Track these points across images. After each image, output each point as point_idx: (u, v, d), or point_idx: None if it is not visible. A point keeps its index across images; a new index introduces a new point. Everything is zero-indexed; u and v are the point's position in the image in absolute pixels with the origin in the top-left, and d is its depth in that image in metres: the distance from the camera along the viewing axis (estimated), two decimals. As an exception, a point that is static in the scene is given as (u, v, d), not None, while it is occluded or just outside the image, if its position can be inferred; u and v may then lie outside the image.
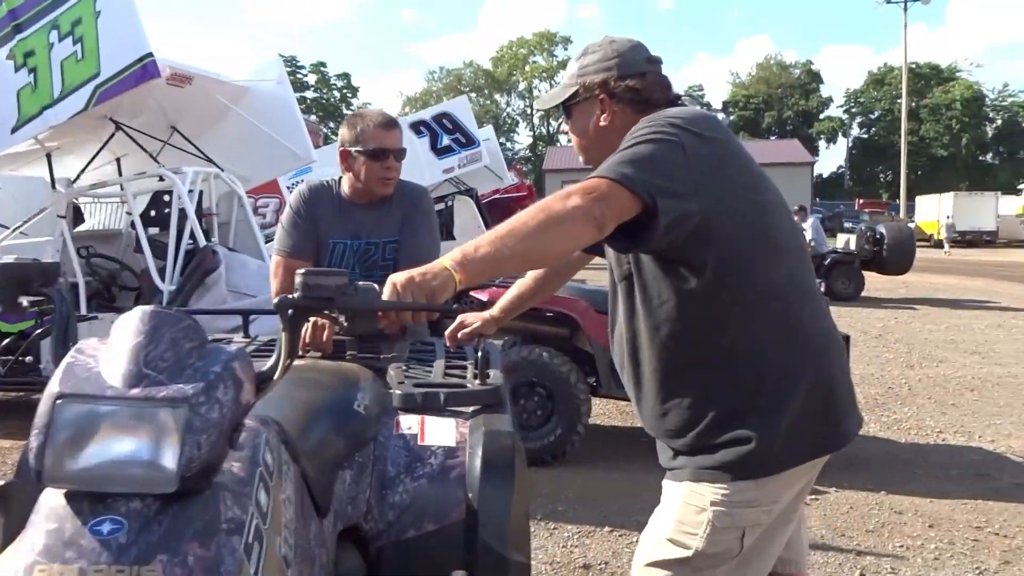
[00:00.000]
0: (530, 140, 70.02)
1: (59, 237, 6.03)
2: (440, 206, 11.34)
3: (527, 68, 68.08)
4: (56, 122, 5.39)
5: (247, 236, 6.56)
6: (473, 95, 69.97)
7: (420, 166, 10.73)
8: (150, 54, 5.17)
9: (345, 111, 62.84)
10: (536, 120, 70.18)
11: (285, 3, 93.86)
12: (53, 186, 6.06)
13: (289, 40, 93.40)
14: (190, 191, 6.10)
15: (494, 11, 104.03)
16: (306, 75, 64.06)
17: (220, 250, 6.01)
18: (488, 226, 17.12)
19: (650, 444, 1.96)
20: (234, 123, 6.93)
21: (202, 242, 5.86)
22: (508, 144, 70.52)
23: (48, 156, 6.08)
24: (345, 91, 68.59)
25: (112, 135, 5.96)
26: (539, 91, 68.79)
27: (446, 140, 10.62)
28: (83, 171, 6.13)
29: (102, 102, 5.33)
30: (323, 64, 67.69)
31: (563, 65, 67.96)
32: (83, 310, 6.01)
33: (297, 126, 6.94)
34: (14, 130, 5.52)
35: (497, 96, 70.31)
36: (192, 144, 6.53)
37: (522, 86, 69.33)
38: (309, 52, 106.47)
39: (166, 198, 6.23)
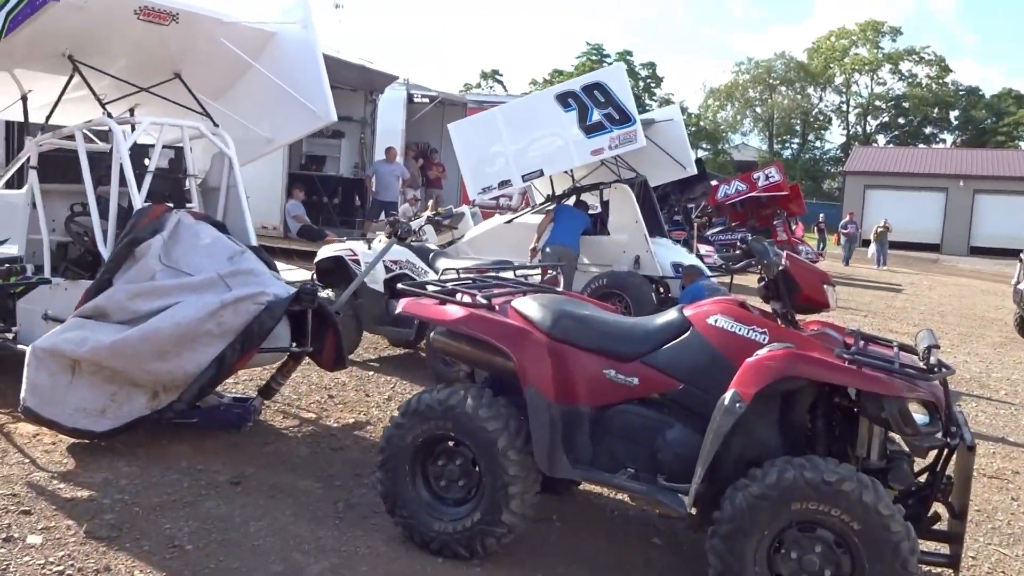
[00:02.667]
0: (843, 139, 63.73)
1: (27, 191, 5.45)
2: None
3: (846, 60, 61.84)
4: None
5: (235, 205, 5.56)
6: (783, 88, 65.34)
7: (567, 144, 9.17)
8: (49, -28, 4.28)
9: (648, 101, 61.57)
10: (852, 117, 63.78)
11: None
12: (27, 132, 5.50)
13: (616, 30, 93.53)
14: (188, 148, 5.24)
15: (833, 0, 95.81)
16: (611, 63, 63.69)
17: (176, 218, 5.05)
18: (690, 223, 14.82)
19: None
20: (255, 75, 5.98)
21: (137, 204, 4.92)
22: (817, 143, 65.03)
23: (24, 100, 5.54)
24: (649, 80, 67.20)
25: (71, 77, 5.23)
26: (858, 85, 62.43)
27: (596, 115, 8.94)
28: (49, 117, 5.48)
29: (11, 31, 4.56)
30: (629, 53, 66.84)
31: (890, 58, 60.92)
32: (47, 273, 5.37)
33: (318, 79, 5.81)
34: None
35: (810, 90, 64.80)
36: (192, 94, 5.66)
37: (839, 80, 63.19)
38: (641, 44, 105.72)
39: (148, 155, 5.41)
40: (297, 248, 15.07)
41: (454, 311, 3.76)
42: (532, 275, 7.48)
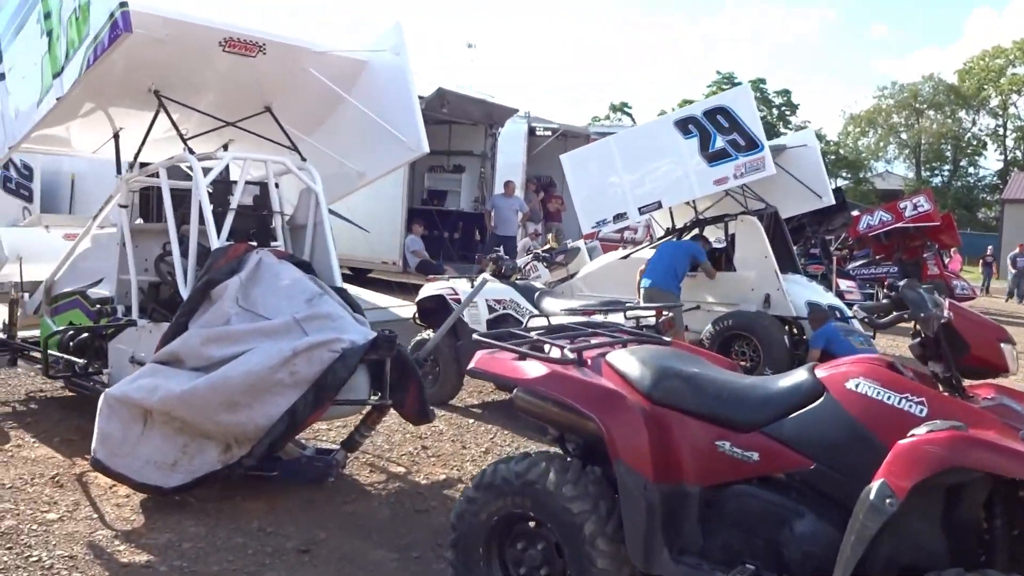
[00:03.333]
0: (999, 164, 59.28)
1: (119, 230, 5.32)
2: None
3: (1002, 81, 57.68)
4: (60, 93, 4.60)
5: (321, 243, 5.24)
6: (931, 112, 61.59)
7: (687, 174, 8.51)
8: (123, 3, 4.09)
9: (782, 129, 59.43)
10: (1010, 141, 59.28)
11: (753, 21, 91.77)
12: (118, 170, 5.39)
13: (748, 58, 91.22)
14: (272, 185, 4.98)
15: (983, 19, 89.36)
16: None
17: (256, 257, 4.77)
18: (828, 256, 13.69)
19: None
20: (347, 107, 5.69)
21: (214, 243, 4.66)
22: (971, 169, 60.75)
23: (116, 138, 5.43)
24: (784, 108, 64.95)
25: (156, 113, 5.06)
26: (1017, 107, 58.04)
27: (720, 142, 8.23)
28: (137, 154, 5.33)
29: (92, 65, 4.40)
30: (762, 81, 64.87)
31: (1053, 76, 56.35)
32: (134, 314, 5.21)
33: (410, 109, 5.45)
34: (39, 103, 4.89)
35: (962, 114, 60.78)
36: (282, 128, 5.41)
37: (994, 102, 58.98)
38: (774, 72, 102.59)
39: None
40: (415, 282, 14.99)
41: (532, 369, 3.21)
42: (646, 317, 6.85)
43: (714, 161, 8.29)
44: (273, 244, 5.16)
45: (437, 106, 13.85)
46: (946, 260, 19.86)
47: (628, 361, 3.35)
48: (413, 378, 4.56)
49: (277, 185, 5.28)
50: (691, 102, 57.63)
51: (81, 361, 5.31)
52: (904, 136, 62.06)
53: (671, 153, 8.50)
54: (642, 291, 8.17)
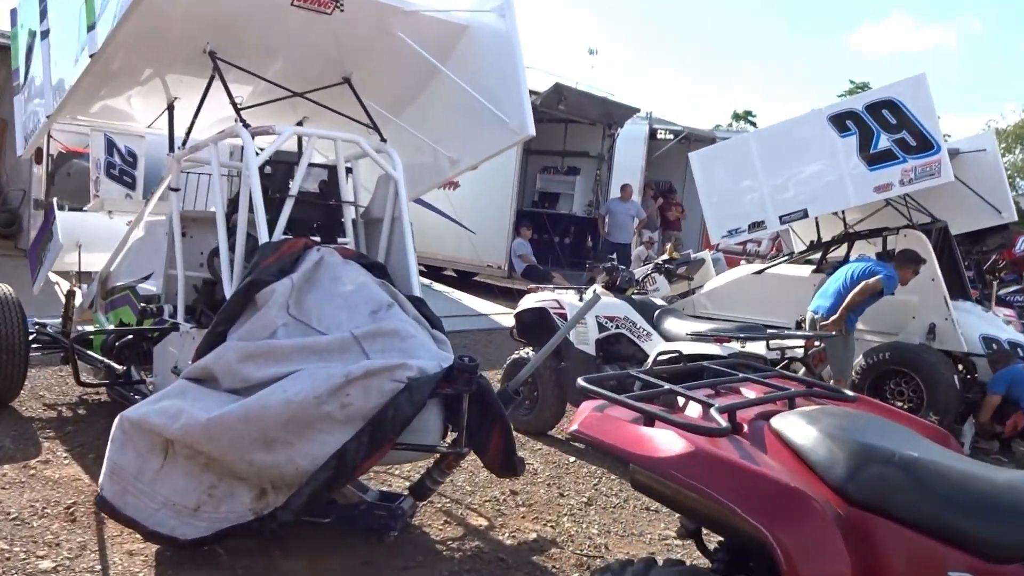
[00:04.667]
0: None
1: (167, 218, 4.55)
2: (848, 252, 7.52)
3: None
4: (94, 49, 3.83)
5: (399, 242, 4.31)
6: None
7: (842, 178, 7.19)
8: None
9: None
10: None
11: (876, 34, 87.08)
12: (171, 148, 4.61)
13: (881, 69, 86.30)
14: (343, 168, 4.15)
15: None
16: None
17: (316, 256, 3.90)
18: (983, 280, 11.85)
19: None
20: (442, 81, 4.75)
21: (264, 237, 3.80)
22: None
23: (170, 110, 4.66)
24: (921, 121, 61.02)
25: (211, 79, 4.24)
26: None
27: (885, 142, 6.89)
28: (190, 130, 4.51)
29: (123, 18, 3.60)
30: (899, 91, 61.07)
31: None
32: (179, 316, 4.44)
33: (517, 85, 4.46)
34: (76, 61, 4.14)
35: (1126, 130, 55.47)
36: (360, 102, 4.52)
37: None
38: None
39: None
40: (522, 288, 14.04)
41: (664, 442, 2.12)
42: (792, 347, 5.64)
43: (876, 164, 6.94)
44: (340, 241, 4.26)
45: (554, 102, 12.90)
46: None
47: (805, 432, 2.24)
48: (499, 419, 3.54)
49: (350, 170, 4.39)
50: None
51: (119, 367, 4.56)
52: (1058, 153, 57.27)
53: (823, 153, 7.20)
54: (809, 317, 6.77)
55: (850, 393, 2.84)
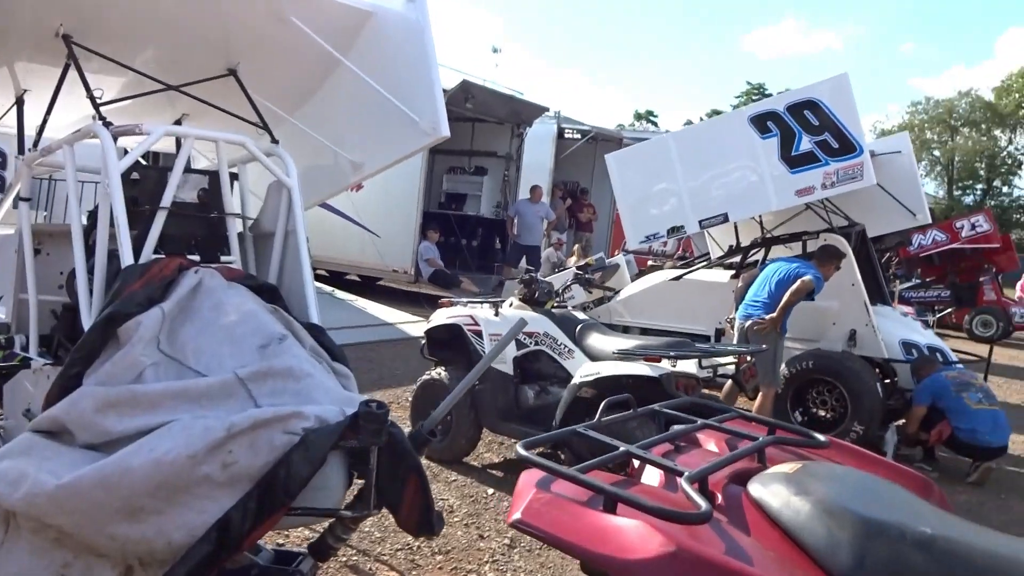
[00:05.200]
0: (1037, 185, 57.25)
1: (16, 233, 3.85)
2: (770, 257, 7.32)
3: (1042, 98, 55.61)
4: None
5: (293, 260, 3.75)
6: (966, 130, 59.54)
7: (763, 181, 6.97)
8: None
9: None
10: (1049, 161, 57.11)
11: (770, 36, 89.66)
12: (20, 150, 3.92)
13: (778, 71, 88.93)
14: (225, 175, 3.55)
15: (1017, 38, 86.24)
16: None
17: (194, 280, 3.31)
18: (884, 279, 11.86)
19: None
20: (343, 75, 4.20)
21: (128, 258, 3.20)
22: (1005, 188, 58.58)
23: (19, 104, 3.96)
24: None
25: (65, 68, 3.57)
26: (1056, 126, 55.83)
27: (807, 143, 6.69)
28: (42, 127, 3.82)
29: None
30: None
31: (1096, 95, 54.23)
32: (31, 350, 3.76)
33: (428, 81, 3.94)
34: None
35: (997, 132, 58.72)
36: (248, 97, 3.92)
37: (1033, 120, 56.87)
38: (793, 83, 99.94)
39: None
40: (428, 293, 13.52)
41: (637, 538, 1.67)
42: (723, 364, 5.34)
43: (798, 167, 6.74)
44: (223, 259, 3.66)
45: (460, 100, 12.44)
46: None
47: (794, 505, 1.85)
48: (413, 471, 3.02)
49: (236, 176, 3.78)
50: (720, 112, 55.86)
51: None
52: (937, 153, 60.08)
53: (744, 155, 6.96)
54: (737, 325, 6.44)
55: (821, 437, 2.48)
